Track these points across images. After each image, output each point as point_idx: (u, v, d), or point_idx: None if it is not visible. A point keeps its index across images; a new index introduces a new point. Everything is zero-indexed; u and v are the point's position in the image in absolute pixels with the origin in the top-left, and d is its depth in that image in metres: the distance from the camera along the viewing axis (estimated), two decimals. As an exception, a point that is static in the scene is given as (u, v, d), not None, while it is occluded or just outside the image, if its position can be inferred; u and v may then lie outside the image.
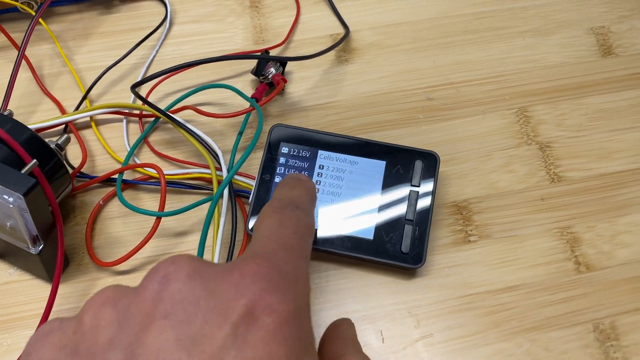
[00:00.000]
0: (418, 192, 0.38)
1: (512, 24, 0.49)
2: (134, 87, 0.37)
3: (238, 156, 0.42)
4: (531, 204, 0.41)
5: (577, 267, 0.39)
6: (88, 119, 0.44)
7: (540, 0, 0.50)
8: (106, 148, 0.43)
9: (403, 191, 0.38)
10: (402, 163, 0.39)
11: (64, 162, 0.38)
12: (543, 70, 0.46)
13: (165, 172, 0.40)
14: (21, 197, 0.31)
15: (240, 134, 0.41)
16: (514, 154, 0.43)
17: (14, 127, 0.35)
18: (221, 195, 0.37)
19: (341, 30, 0.48)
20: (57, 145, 0.37)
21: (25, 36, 0.43)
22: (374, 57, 0.47)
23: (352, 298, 0.38)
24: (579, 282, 0.38)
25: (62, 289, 0.38)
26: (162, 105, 0.45)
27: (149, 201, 0.41)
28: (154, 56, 0.47)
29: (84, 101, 0.45)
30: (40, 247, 0.35)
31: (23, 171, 0.32)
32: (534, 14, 0.49)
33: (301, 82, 0.46)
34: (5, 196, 0.31)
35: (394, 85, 0.46)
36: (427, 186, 0.39)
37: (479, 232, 0.40)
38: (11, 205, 0.32)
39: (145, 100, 0.39)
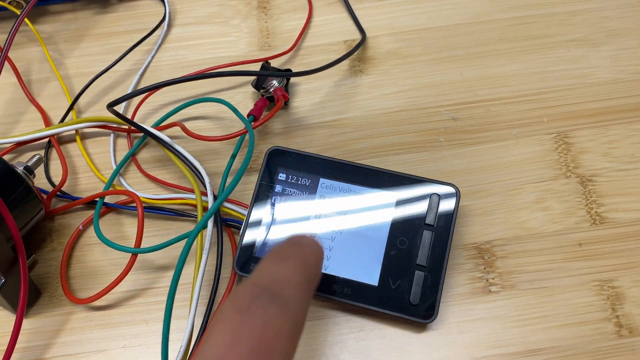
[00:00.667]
0: (433, 232, 0.33)
1: (555, 31, 0.42)
2: (110, 106, 0.33)
3: (230, 181, 0.37)
4: (566, 250, 0.35)
5: (619, 331, 0.33)
6: (73, 132, 0.40)
7: (590, 4, 0.43)
8: (90, 166, 0.39)
9: (415, 231, 0.33)
10: (415, 197, 0.34)
11: (34, 185, 0.34)
12: (590, 88, 0.40)
13: (148, 196, 0.36)
14: (-30, 234, 0.28)
15: (234, 156, 0.37)
16: (549, 187, 0.37)
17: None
18: (203, 228, 0.32)
19: (357, 36, 0.43)
20: (25, 167, 0.34)
21: (8, 37, 0.39)
22: (392, 67, 0.42)
23: (349, 354, 0.33)
24: (619, 349, 0.32)
25: (32, 323, 0.35)
26: (153, 119, 0.40)
27: (132, 227, 0.37)
28: (149, 62, 0.43)
29: (70, 112, 0.41)
30: (1, 283, 0.31)
31: (-26, 204, 0.28)
32: (582, 20, 0.42)
33: (308, 95, 0.41)
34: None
35: (414, 101, 0.40)
36: (443, 226, 0.33)
37: (502, 280, 0.34)
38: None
39: (126, 119, 0.35)
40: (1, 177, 0.31)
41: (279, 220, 0.34)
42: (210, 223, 0.33)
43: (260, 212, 0.34)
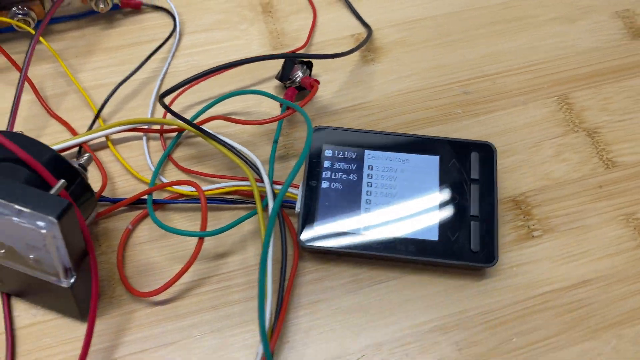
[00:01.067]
0: (479, 185, 0.36)
1: (537, 12, 0.47)
2: (163, 96, 0.33)
3: (277, 166, 0.38)
4: (590, 193, 0.38)
5: (651, 254, 0.36)
6: (104, 139, 0.40)
7: (560, -12, 0.49)
8: (128, 168, 0.39)
9: (463, 186, 0.36)
10: (456, 157, 0.36)
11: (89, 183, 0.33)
12: (577, 56, 0.45)
13: (205, 188, 0.37)
14: (54, 221, 0.27)
15: (276, 141, 0.38)
16: (563, 142, 0.41)
17: (32, 146, 0.31)
18: (265, 210, 0.33)
19: (361, 30, 0.46)
20: (79, 164, 0.33)
21: (27, 56, 0.39)
22: (400, 55, 0.45)
23: (418, 309, 0.34)
24: (655, 270, 0.36)
25: (95, 326, 0.34)
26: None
27: (182, 221, 0.37)
28: (167, 69, 0.44)
29: (97, 120, 0.41)
30: (73, 279, 0.31)
31: (52, 192, 0.28)
32: (558, 1, 0.48)
33: (328, 84, 0.43)
34: (36, 222, 0.27)
35: (427, 81, 0.43)
36: (487, 178, 0.36)
37: (542, 225, 0.37)
38: (43, 231, 0.27)
39: (174, 112, 0.35)
40: (61, 173, 0.31)
41: (331, 193, 0.36)
42: (270, 205, 0.34)
43: (313, 188, 0.36)
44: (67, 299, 0.32)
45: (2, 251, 0.30)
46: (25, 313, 0.34)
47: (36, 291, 0.33)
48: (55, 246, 0.28)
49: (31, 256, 0.30)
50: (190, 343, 0.33)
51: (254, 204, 0.37)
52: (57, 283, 0.31)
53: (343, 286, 0.35)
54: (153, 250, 0.36)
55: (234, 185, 0.37)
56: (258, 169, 0.36)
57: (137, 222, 0.37)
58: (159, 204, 0.37)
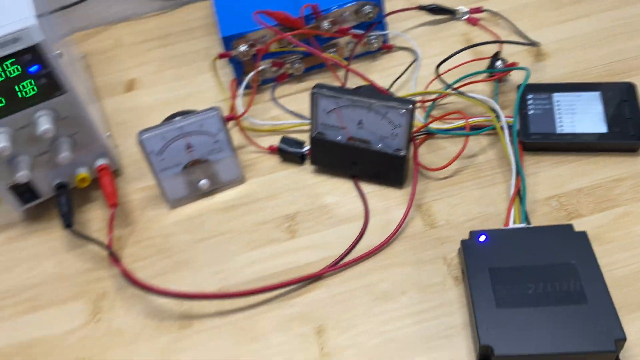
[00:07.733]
0: (628, 101, 0.60)
1: None
2: (439, 65, 0.63)
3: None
4: None
5: None
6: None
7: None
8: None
9: (620, 104, 0.60)
10: (610, 91, 0.62)
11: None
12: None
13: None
14: (409, 107, 0.56)
15: (497, 94, 0.66)
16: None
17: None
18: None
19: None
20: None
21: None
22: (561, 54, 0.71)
23: (576, 182, 0.58)
24: None
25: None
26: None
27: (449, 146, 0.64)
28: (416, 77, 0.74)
29: (385, 99, 0.71)
30: (405, 152, 0.58)
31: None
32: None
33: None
34: (400, 109, 0.56)
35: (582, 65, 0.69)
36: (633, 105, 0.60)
37: (675, 127, 0.59)
38: (402, 111, 0.56)
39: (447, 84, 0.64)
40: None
41: (532, 115, 0.62)
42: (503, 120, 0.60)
43: (524, 114, 0.62)
44: (397, 169, 0.59)
45: (370, 139, 0.59)
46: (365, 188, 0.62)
47: (377, 166, 0.61)
48: (405, 125, 0.57)
49: (391, 132, 0.58)
50: (459, 195, 0.60)
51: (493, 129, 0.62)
52: (397, 154, 0.58)
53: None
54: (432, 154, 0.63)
55: (481, 119, 0.64)
56: (496, 110, 0.63)
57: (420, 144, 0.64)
58: (432, 134, 0.65)
